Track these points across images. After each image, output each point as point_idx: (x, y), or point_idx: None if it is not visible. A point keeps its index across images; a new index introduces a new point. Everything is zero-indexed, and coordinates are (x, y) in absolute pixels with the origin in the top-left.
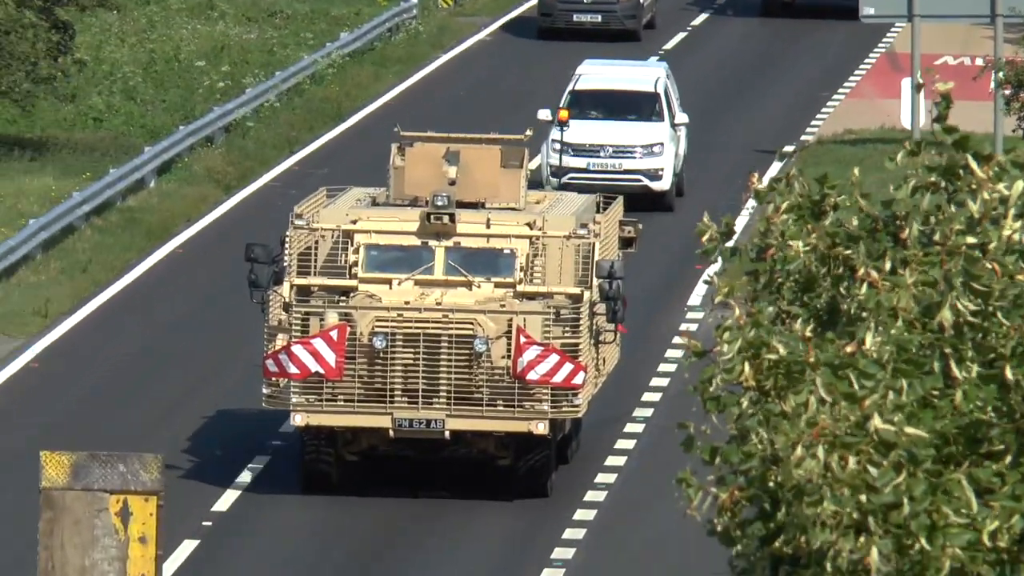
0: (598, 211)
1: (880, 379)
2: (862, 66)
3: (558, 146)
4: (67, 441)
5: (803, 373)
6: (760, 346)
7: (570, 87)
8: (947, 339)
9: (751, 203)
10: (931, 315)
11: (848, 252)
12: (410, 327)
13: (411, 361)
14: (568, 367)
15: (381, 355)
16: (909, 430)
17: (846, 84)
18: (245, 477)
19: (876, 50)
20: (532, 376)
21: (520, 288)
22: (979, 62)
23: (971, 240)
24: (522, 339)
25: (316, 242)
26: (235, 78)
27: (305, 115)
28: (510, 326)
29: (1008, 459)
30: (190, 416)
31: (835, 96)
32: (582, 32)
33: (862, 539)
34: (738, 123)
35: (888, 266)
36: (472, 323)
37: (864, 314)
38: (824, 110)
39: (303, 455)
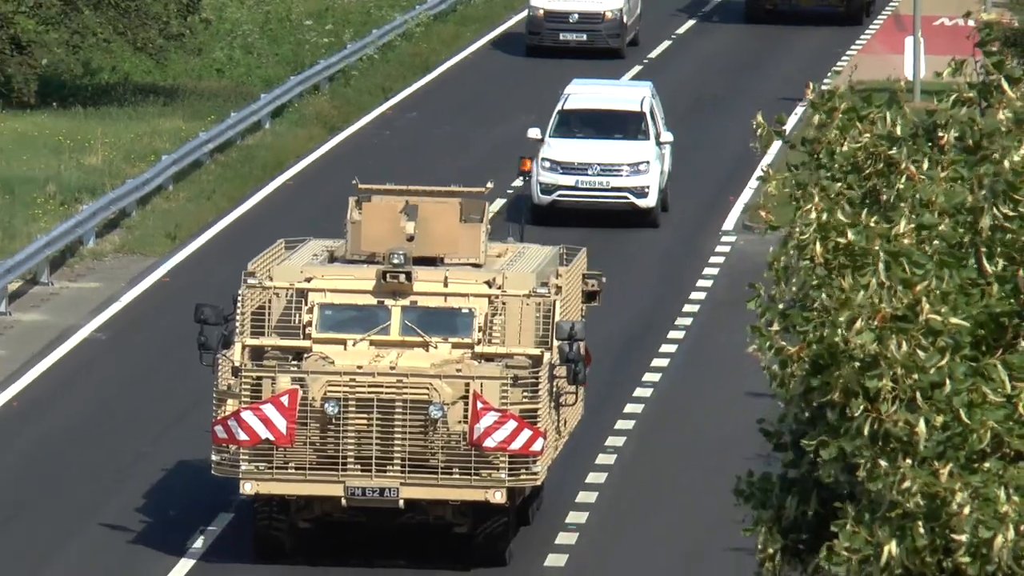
0: (561, 263)
1: (929, 268)
2: (872, 26)
3: (548, 164)
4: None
5: (866, 256)
6: (832, 229)
7: (558, 107)
8: (983, 240)
9: (800, 107)
10: (960, 209)
11: (892, 151)
12: (363, 392)
13: (364, 427)
14: (526, 433)
15: (333, 421)
16: (953, 320)
17: (858, 41)
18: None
19: (883, 13)
20: (489, 443)
21: (478, 348)
22: (971, 23)
23: (1017, 157)
24: (479, 405)
25: (270, 300)
26: (337, 35)
27: (397, 67)
28: (467, 390)
29: None
30: None
31: (848, 51)
32: (568, 50)
33: (909, 412)
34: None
35: (926, 165)
36: (428, 388)
37: (901, 203)
38: (839, 63)
39: (255, 522)
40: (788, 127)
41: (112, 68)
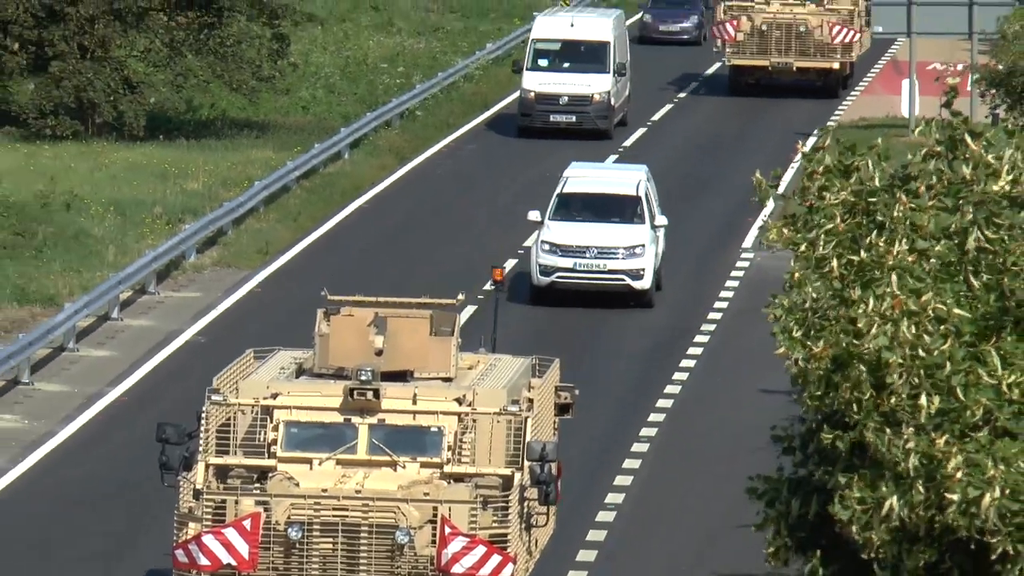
0: (534, 375)
1: (928, 284)
2: (872, 70)
3: (547, 246)
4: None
5: (878, 274)
6: (847, 248)
7: (557, 190)
8: (968, 259)
9: (793, 165)
10: (947, 235)
11: (872, 201)
12: (328, 516)
13: (329, 552)
14: (496, 559)
15: (297, 546)
16: (956, 310)
17: (860, 84)
18: None
19: (883, 58)
20: (457, 569)
21: (448, 468)
22: (959, 67)
23: (994, 188)
24: (447, 530)
25: (235, 416)
26: (407, 77)
27: (460, 105)
28: (435, 514)
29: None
30: None
31: (851, 94)
32: (559, 131)
33: (914, 389)
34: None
35: (909, 206)
36: (394, 512)
37: (898, 228)
38: (844, 103)
39: None
40: (784, 180)
41: (211, 105)
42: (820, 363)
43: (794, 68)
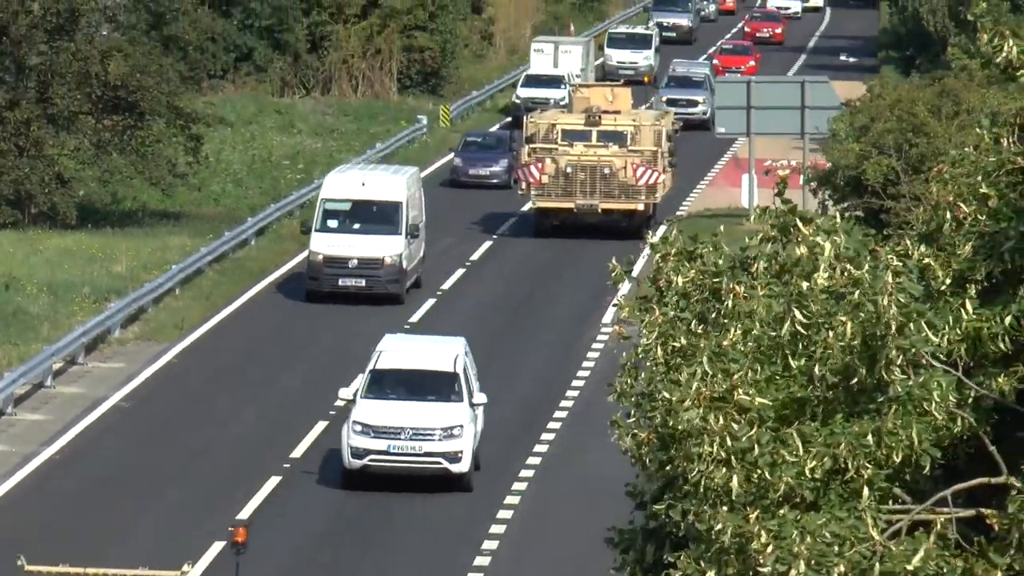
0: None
1: (743, 363)
2: (716, 166)
3: (359, 427)
4: (201, 412)
5: (695, 355)
6: (668, 336)
7: (370, 365)
8: (787, 342)
9: (645, 252)
10: (777, 322)
11: (716, 281)
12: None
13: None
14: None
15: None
16: (759, 400)
17: (706, 178)
18: None
19: (725, 156)
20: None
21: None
22: (794, 162)
23: (804, 284)
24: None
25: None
26: (307, 172)
27: None
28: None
29: (819, 421)
30: (304, 408)
31: (698, 186)
32: (348, 295)
33: (725, 470)
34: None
35: (742, 289)
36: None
37: (725, 320)
38: (692, 195)
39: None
40: (637, 268)
41: (133, 198)
42: (648, 447)
43: (599, 209)
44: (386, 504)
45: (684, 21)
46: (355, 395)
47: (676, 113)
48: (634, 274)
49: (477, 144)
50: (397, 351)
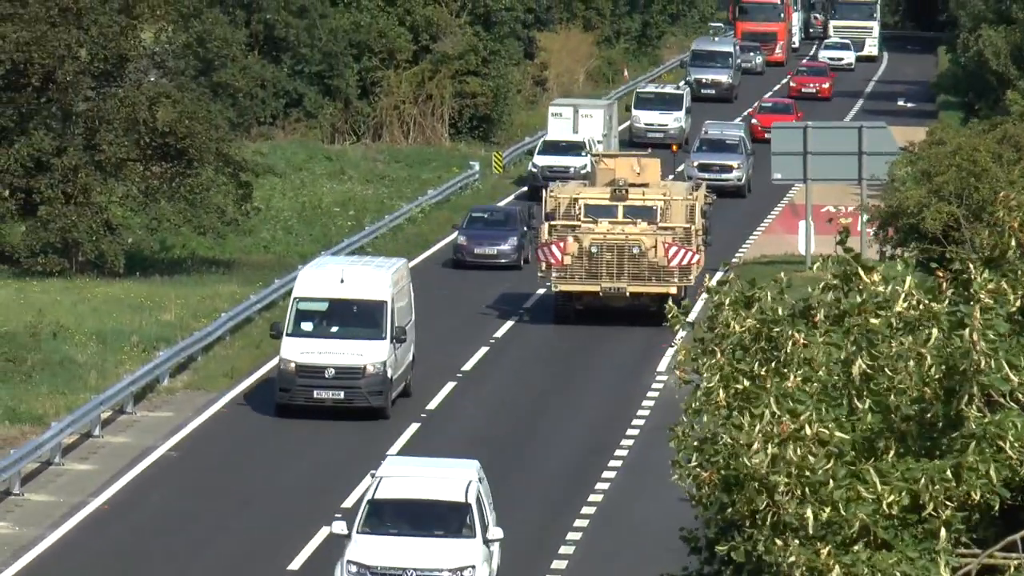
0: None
1: (808, 405)
2: (772, 213)
3: (354, 568)
4: (250, 462)
5: (759, 398)
6: (731, 379)
7: (369, 495)
8: (853, 384)
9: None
10: (843, 364)
11: (776, 330)
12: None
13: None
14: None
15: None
16: (837, 434)
17: (762, 224)
18: None
19: (782, 202)
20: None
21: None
22: (851, 208)
23: (873, 321)
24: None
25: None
26: (358, 219)
27: (404, 244)
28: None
29: (892, 456)
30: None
31: (755, 232)
32: (323, 410)
33: (800, 504)
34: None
35: (802, 336)
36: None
37: (785, 369)
38: (748, 241)
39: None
40: (694, 312)
41: (182, 246)
42: (711, 488)
43: (627, 293)
44: None
45: (724, 77)
46: (350, 530)
47: (709, 180)
48: (690, 319)
49: (483, 220)
50: (399, 475)
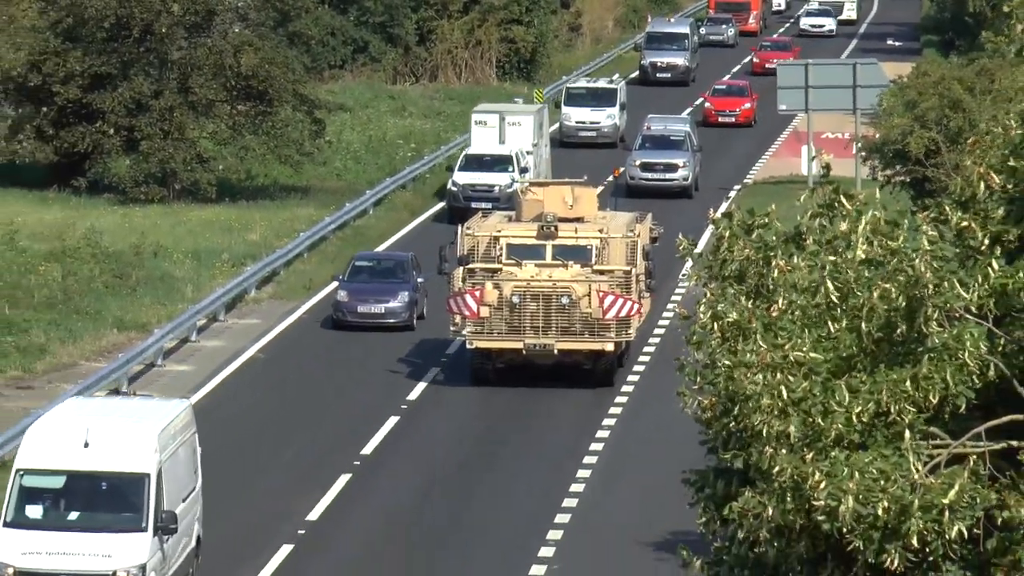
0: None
1: (791, 331)
2: (779, 139)
3: None
4: (331, 353)
5: (748, 328)
6: (720, 314)
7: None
8: (826, 309)
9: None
10: (813, 292)
11: (770, 254)
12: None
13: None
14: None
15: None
16: (811, 355)
17: (770, 150)
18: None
19: (787, 130)
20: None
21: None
22: (846, 135)
23: (834, 258)
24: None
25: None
26: (418, 150)
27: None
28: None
29: (864, 373)
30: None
31: (763, 156)
32: None
33: (783, 419)
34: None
35: (784, 262)
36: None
37: (775, 288)
38: (757, 164)
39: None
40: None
41: (265, 175)
42: (712, 410)
43: (555, 351)
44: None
45: (680, 60)
46: None
47: (653, 180)
48: (698, 250)
49: (368, 270)
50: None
